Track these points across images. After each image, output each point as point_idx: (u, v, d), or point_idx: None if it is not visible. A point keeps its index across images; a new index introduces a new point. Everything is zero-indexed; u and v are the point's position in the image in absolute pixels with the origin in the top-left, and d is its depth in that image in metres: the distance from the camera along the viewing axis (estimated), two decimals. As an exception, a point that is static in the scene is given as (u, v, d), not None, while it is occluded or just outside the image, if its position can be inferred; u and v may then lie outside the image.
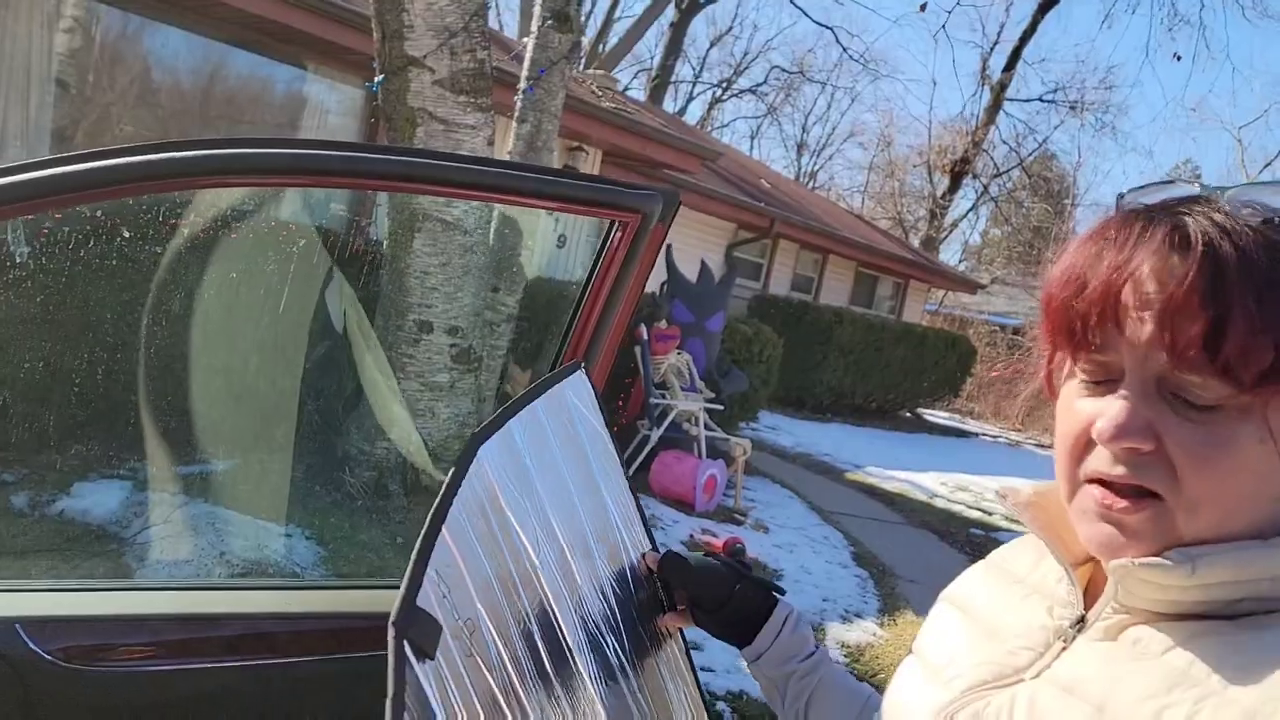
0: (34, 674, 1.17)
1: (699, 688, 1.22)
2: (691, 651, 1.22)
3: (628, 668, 1.06)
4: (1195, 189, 0.64)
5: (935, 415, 15.86)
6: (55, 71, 6.40)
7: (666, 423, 6.34)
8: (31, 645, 1.18)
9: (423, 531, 0.75)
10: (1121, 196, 0.67)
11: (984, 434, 15.36)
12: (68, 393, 3.92)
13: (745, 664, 1.04)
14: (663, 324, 6.61)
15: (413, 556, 0.72)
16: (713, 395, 6.86)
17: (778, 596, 1.06)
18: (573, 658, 0.95)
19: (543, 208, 1.17)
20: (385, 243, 4.58)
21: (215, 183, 0.93)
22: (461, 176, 1.14)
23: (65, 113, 6.63)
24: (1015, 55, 23.86)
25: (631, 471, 6.14)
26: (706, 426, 6.59)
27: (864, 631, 4.52)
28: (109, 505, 3.83)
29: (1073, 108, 27.43)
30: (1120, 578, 0.63)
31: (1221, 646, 0.59)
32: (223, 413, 4.15)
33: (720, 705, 3.45)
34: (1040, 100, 27.91)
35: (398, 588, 0.70)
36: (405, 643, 0.65)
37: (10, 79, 6.09)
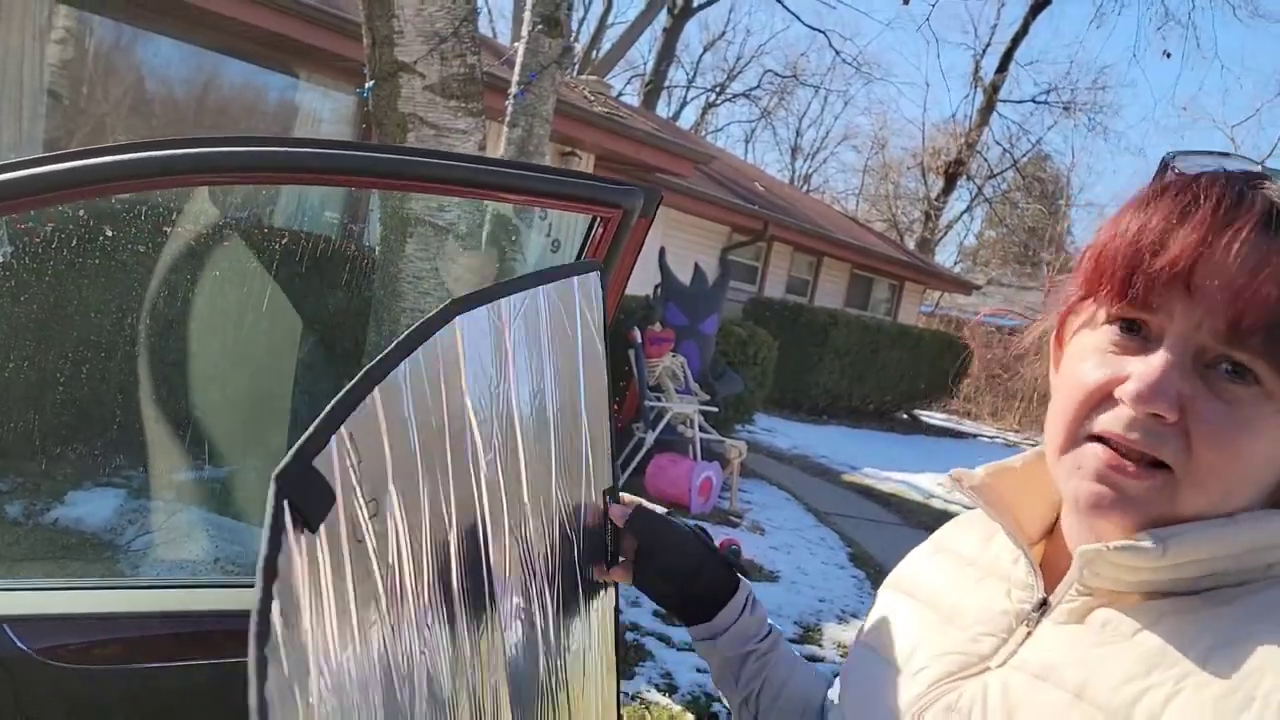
0: (22, 672, 1.18)
1: (618, 654, 1.13)
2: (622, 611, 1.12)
3: (548, 616, 0.97)
4: (1256, 166, 0.63)
5: (932, 416, 15.88)
6: (48, 83, 6.42)
7: (661, 425, 6.34)
8: (19, 644, 1.18)
9: (350, 384, 0.65)
10: (1172, 157, 0.66)
11: (981, 435, 15.37)
12: (58, 398, 3.92)
13: (695, 641, 0.97)
14: (657, 327, 6.62)
15: (327, 408, 0.62)
16: (708, 398, 6.86)
17: (740, 577, 0.98)
18: (487, 582, 0.85)
19: (522, 203, 1.17)
20: (377, 247, 4.59)
21: (194, 181, 0.94)
22: (441, 173, 1.15)
23: (58, 124, 6.64)
24: (1007, 57, 23.95)
25: (626, 475, 6.15)
26: (701, 429, 6.59)
27: (857, 633, 4.51)
28: (102, 513, 3.83)
29: (1065, 108, 27.53)
30: (1089, 560, 0.62)
31: (1192, 624, 0.60)
32: (214, 416, 4.15)
33: (717, 706, 3.46)
34: (1033, 101, 28.04)
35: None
36: (285, 503, 0.56)
37: (3, 90, 6.10)
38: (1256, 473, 0.60)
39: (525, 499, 0.92)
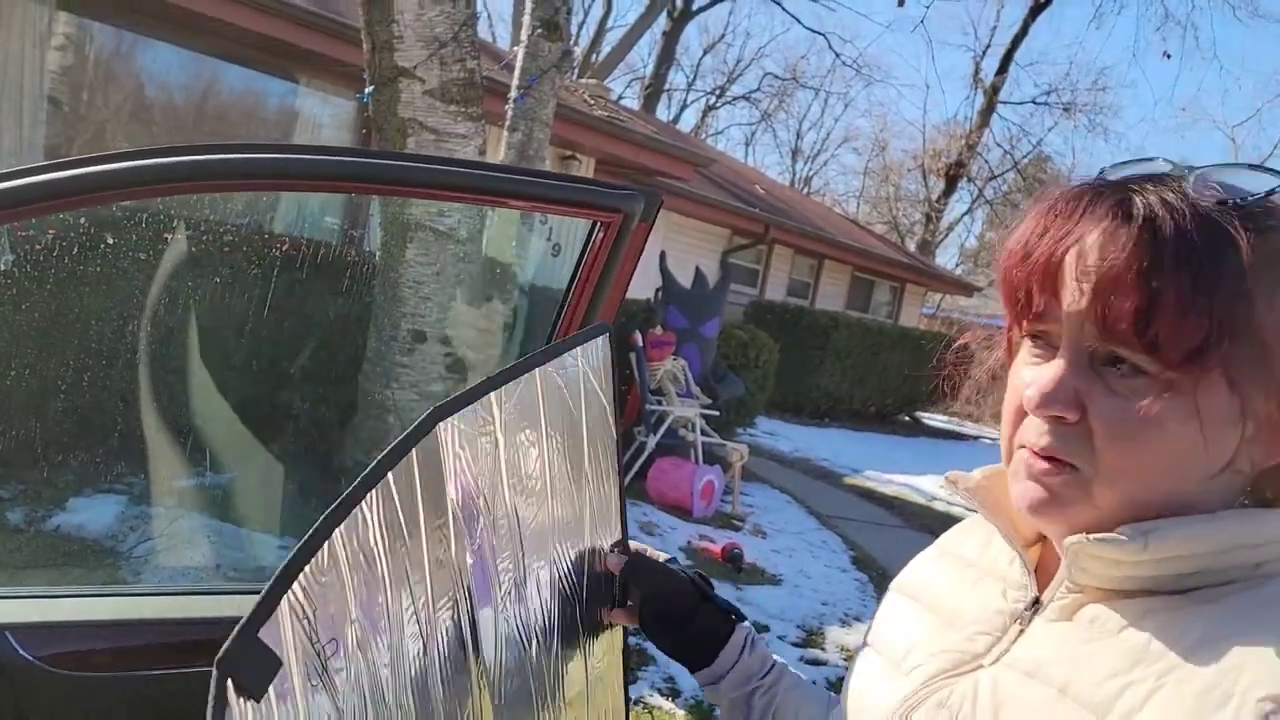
0: (24, 680, 1.18)
1: (626, 698, 1.15)
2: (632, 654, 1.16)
3: (545, 675, 0.99)
4: (1166, 167, 0.64)
5: (934, 419, 15.86)
6: (48, 89, 6.43)
7: (663, 429, 6.34)
8: (22, 652, 1.18)
9: (306, 536, 0.67)
10: (1103, 172, 0.68)
11: (983, 437, 15.35)
12: (59, 404, 3.93)
13: (702, 687, 0.99)
14: (658, 330, 6.61)
15: (275, 575, 0.65)
16: (709, 401, 6.86)
17: (737, 619, 0.99)
18: (475, 659, 0.89)
19: (523, 208, 1.17)
20: (378, 253, 4.60)
21: (191, 189, 0.93)
22: (441, 179, 1.15)
23: (58, 130, 6.65)
24: (1007, 58, 23.97)
25: (629, 478, 6.15)
26: (703, 432, 6.59)
27: (864, 635, 4.51)
28: (104, 520, 3.83)
29: (1065, 109, 27.54)
30: (1074, 555, 0.63)
31: (1177, 622, 0.60)
32: (215, 422, 4.15)
33: (720, 711, 3.45)
34: (1033, 103, 28.04)
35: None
36: (229, 681, 0.60)
37: (3, 96, 6.11)
38: (1175, 461, 0.60)
39: (522, 568, 0.95)
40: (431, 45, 4.14)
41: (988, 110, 25.08)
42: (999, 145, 28.10)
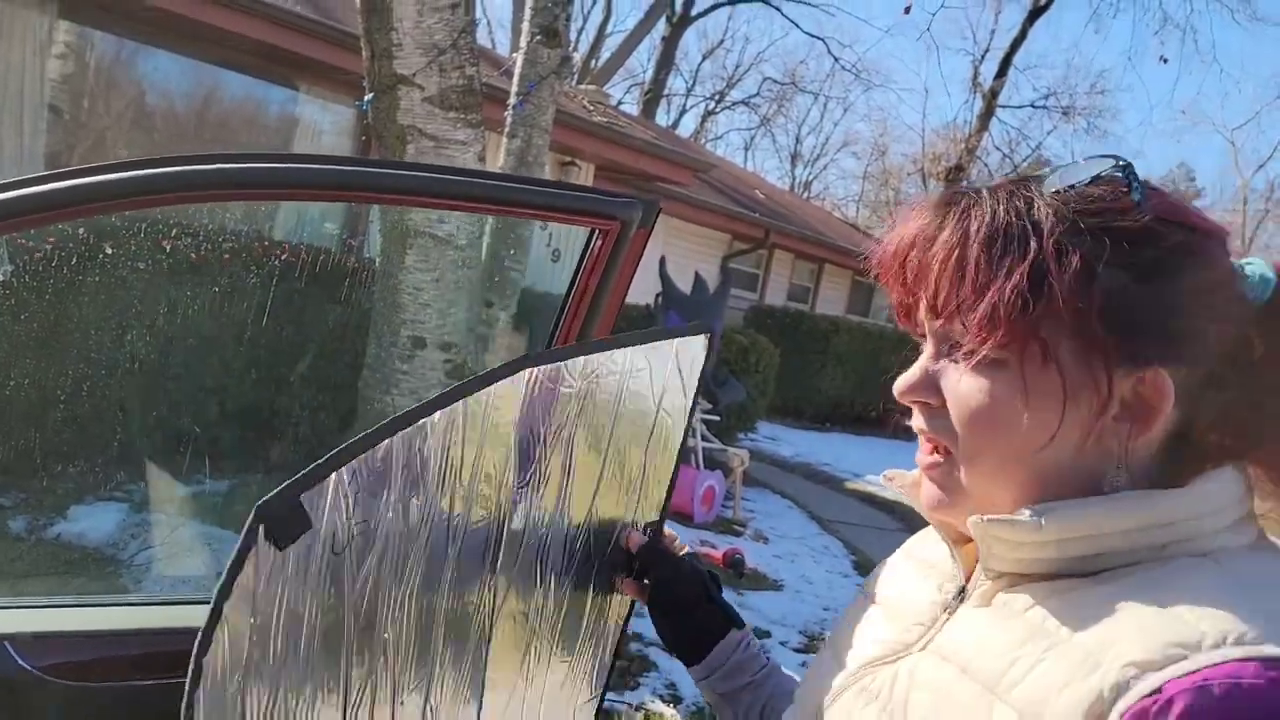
0: (24, 691, 1.18)
1: (611, 669, 1.21)
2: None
3: (546, 595, 1.06)
4: (1095, 169, 0.66)
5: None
6: (48, 97, 6.44)
7: (664, 434, 6.32)
8: (21, 663, 1.18)
9: (369, 430, 0.76)
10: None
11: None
12: (59, 414, 3.93)
13: (696, 682, 1.02)
14: (658, 336, 6.61)
15: (333, 452, 0.74)
16: (710, 406, 6.85)
17: (735, 623, 1.01)
18: (489, 561, 0.97)
19: (521, 216, 1.18)
20: (377, 259, 4.60)
21: (188, 199, 0.94)
22: (439, 188, 1.15)
23: (59, 138, 6.66)
24: (1006, 62, 23.97)
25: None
26: (704, 437, 6.59)
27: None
28: (105, 528, 3.82)
29: (1064, 113, 27.56)
30: (980, 538, 0.65)
31: (1074, 601, 0.61)
32: (214, 431, 4.15)
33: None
34: (1032, 106, 28.05)
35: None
36: (262, 526, 0.69)
37: (4, 105, 6.12)
38: (1019, 437, 0.62)
39: (557, 514, 1.03)
40: (430, 52, 4.15)
41: (987, 114, 25.10)
42: (998, 149, 28.11)
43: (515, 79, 5.00)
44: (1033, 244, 0.61)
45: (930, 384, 0.67)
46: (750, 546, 5.76)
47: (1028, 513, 0.62)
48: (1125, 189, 0.63)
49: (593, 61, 23.11)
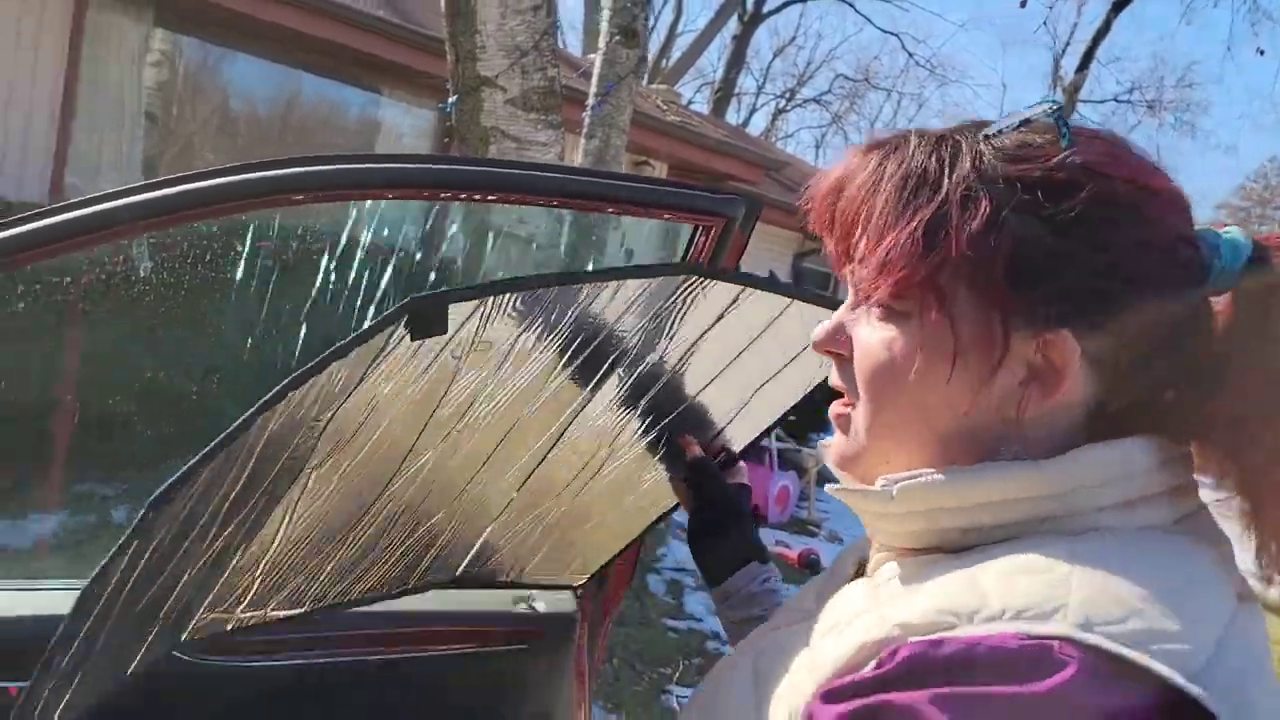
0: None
1: (636, 554, 1.32)
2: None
3: (606, 460, 1.17)
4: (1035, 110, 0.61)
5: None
6: (145, 105, 6.69)
7: (738, 434, 6.32)
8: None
9: (527, 276, 0.82)
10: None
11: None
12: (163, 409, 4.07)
13: (715, 605, 1.06)
14: (733, 335, 6.60)
15: (494, 281, 0.80)
16: (784, 406, 6.81)
17: (764, 560, 1.05)
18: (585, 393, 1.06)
19: (627, 214, 1.18)
20: (459, 259, 4.68)
21: (278, 203, 0.96)
22: (545, 185, 1.16)
23: (155, 144, 6.91)
24: (1089, 55, 23.30)
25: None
26: (778, 438, 6.55)
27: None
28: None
29: (1150, 107, 26.66)
30: (849, 505, 0.64)
31: (923, 573, 0.57)
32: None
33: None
34: (1115, 101, 27.18)
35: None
36: (406, 314, 0.74)
37: (105, 113, 6.38)
38: (913, 393, 0.58)
39: (652, 392, 1.11)
40: (513, 55, 4.20)
41: (1068, 108, 24.45)
42: (1080, 144, 27.32)
43: (594, 79, 5.03)
44: (944, 189, 0.56)
45: (842, 335, 0.64)
46: (825, 547, 5.71)
47: (880, 483, 0.59)
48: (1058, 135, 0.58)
49: (664, 61, 23.14)
